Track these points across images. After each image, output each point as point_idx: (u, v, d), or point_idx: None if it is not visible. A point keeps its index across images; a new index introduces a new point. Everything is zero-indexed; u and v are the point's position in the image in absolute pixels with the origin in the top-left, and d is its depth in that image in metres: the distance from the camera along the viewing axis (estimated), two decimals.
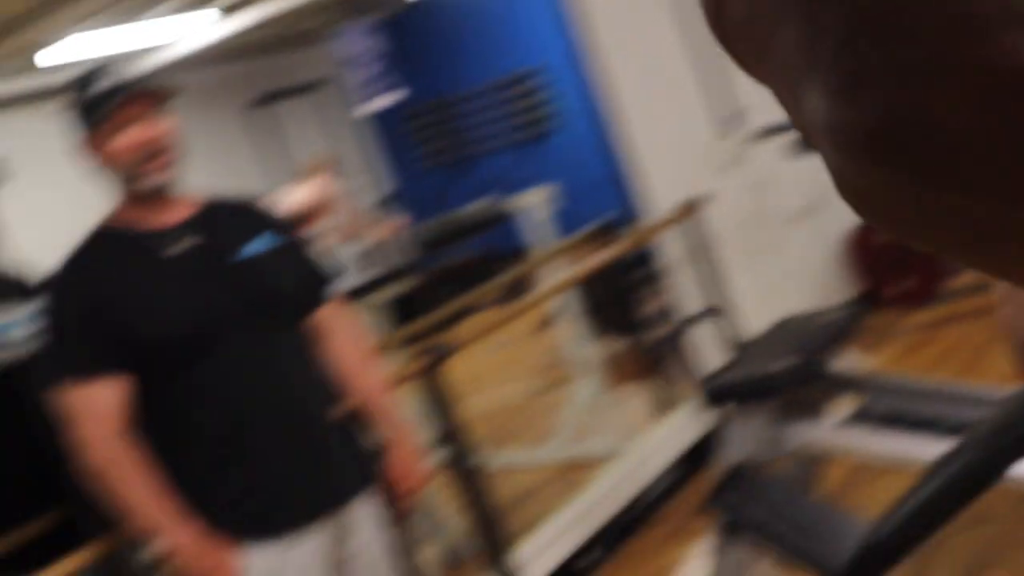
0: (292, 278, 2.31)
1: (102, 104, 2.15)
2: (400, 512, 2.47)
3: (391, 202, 10.07)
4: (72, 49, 6.85)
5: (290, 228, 2.39)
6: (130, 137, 2.16)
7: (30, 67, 7.30)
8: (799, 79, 0.27)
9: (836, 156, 0.27)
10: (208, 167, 9.89)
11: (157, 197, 2.21)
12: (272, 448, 2.19)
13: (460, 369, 5.64)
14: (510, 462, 5.03)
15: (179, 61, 8.39)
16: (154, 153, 2.17)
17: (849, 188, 0.28)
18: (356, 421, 2.43)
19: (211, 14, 7.50)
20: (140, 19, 6.99)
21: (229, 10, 7.58)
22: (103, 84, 2.16)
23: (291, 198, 7.16)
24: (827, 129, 0.27)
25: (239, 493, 2.18)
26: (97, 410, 2.10)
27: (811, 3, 0.26)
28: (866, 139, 0.26)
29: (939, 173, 0.25)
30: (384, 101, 4.93)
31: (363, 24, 5.30)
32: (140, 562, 2.42)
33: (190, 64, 8.92)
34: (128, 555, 2.34)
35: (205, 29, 7.73)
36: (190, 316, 2.14)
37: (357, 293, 5.95)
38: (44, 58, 6.89)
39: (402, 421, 2.49)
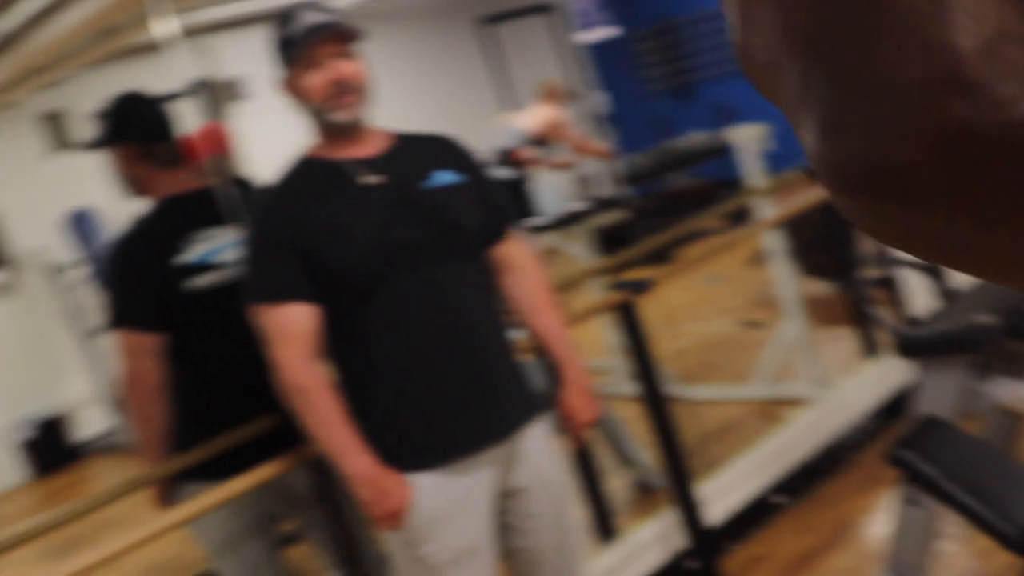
0: (475, 211, 2.38)
1: (297, 43, 2.27)
2: (574, 444, 2.56)
3: (607, 128, 10.08)
4: None
5: (477, 163, 2.47)
6: (321, 75, 2.27)
7: None
8: (798, 118, 0.34)
9: (823, 183, 0.35)
10: (441, 82, 10.17)
11: (349, 131, 2.32)
12: (444, 379, 2.29)
13: (673, 298, 5.71)
14: (708, 396, 5.07)
15: None
16: (344, 91, 2.28)
17: (837, 206, 0.35)
18: (532, 354, 2.53)
19: None
20: None
21: None
22: (299, 24, 2.28)
23: (527, 119, 7.31)
24: (815, 161, 0.34)
25: (411, 422, 2.30)
26: (289, 333, 2.25)
27: (807, 59, 0.33)
28: (845, 175, 0.33)
29: (904, 203, 0.32)
30: (601, 33, 4.96)
31: None
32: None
33: None
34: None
35: None
36: (374, 246, 2.25)
37: (569, 220, 6.05)
38: None
39: (577, 357, 2.55)
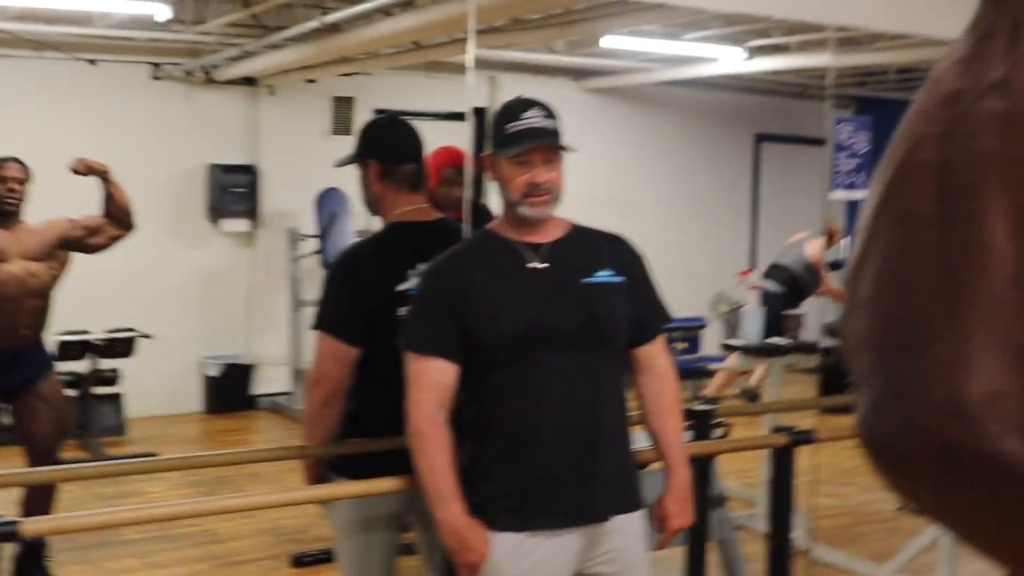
0: (626, 312, 2.59)
1: (514, 141, 2.50)
2: (660, 545, 2.72)
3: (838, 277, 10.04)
4: (616, 41, 7.52)
5: (642, 268, 2.66)
6: (524, 174, 2.51)
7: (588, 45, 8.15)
8: (861, 394, 0.56)
9: (862, 445, 0.59)
10: (714, 186, 10.43)
11: (532, 222, 2.56)
12: (552, 454, 2.49)
13: (845, 456, 5.69)
14: (837, 562, 5.04)
15: (699, 80, 8.93)
16: (538, 192, 2.51)
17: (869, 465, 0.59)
18: (646, 454, 2.69)
19: (738, 52, 7.89)
20: (678, 38, 7.50)
21: (755, 52, 7.93)
22: (522, 122, 2.51)
23: (812, 246, 7.86)
24: (859, 427, 0.56)
25: (509, 484, 2.51)
26: (427, 382, 2.50)
27: (876, 355, 0.56)
28: (876, 444, 0.56)
29: (909, 484, 0.55)
30: (851, 195, 5.06)
31: (857, 118, 5.44)
32: None
33: (704, 84, 9.42)
34: None
35: (729, 61, 8.13)
36: (522, 326, 2.48)
37: (768, 351, 6.13)
38: (606, 41, 7.59)
39: (686, 466, 2.71)
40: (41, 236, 4.51)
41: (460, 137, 4.86)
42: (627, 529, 2.60)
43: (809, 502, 3.83)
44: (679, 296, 8.80)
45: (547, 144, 2.51)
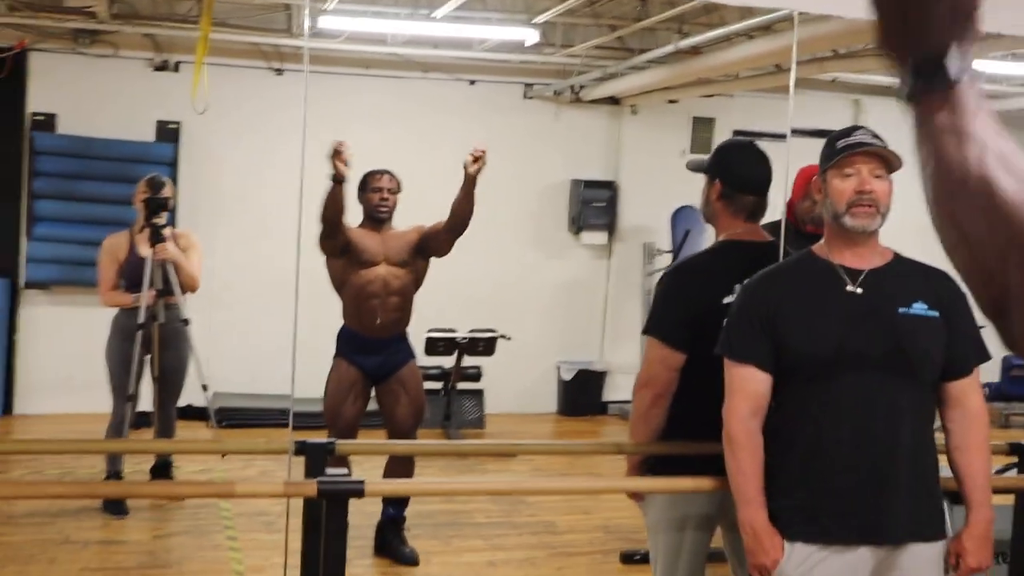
0: (936, 346, 2.61)
1: (841, 152, 2.61)
2: None
3: None
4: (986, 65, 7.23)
5: (962, 304, 2.64)
6: (851, 183, 2.59)
7: None
8: None
9: None
10: None
11: (855, 239, 2.63)
12: (852, 471, 2.57)
13: None
14: None
15: None
16: (865, 202, 2.58)
17: None
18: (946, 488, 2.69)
19: None
20: None
21: None
22: (851, 138, 2.61)
23: None
24: None
25: (808, 496, 2.61)
26: (743, 389, 2.66)
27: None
28: None
29: None
30: None
31: None
32: None
33: None
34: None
35: None
36: (832, 347, 2.57)
37: None
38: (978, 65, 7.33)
39: (988, 505, 2.67)
40: (404, 240, 5.03)
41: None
42: (922, 557, 2.64)
43: None
44: None
45: (874, 150, 2.59)
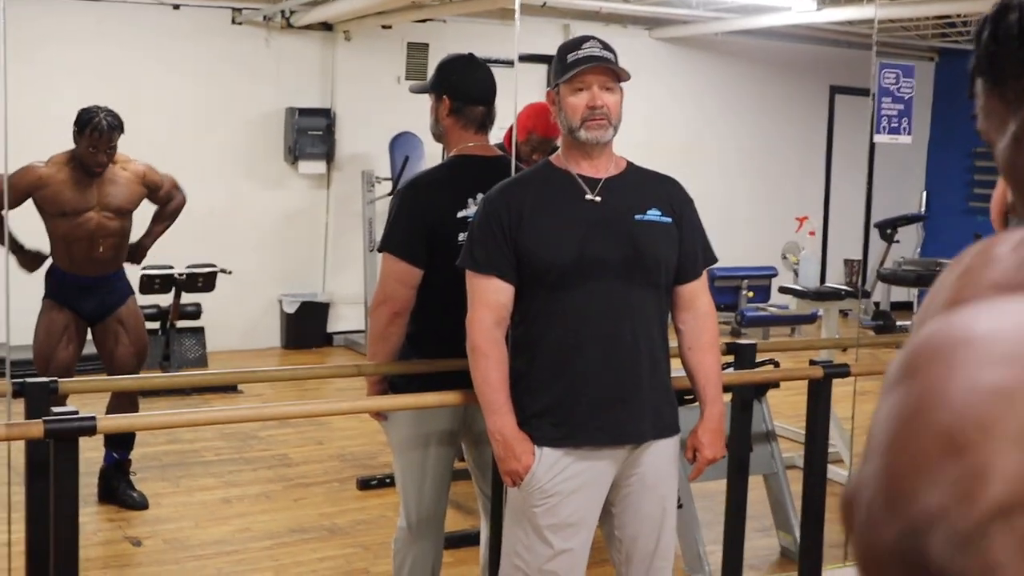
0: (671, 251, 2.74)
1: (573, 67, 2.66)
2: (693, 475, 2.89)
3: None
4: None
5: (690, 211, 2.81)
6: (584, 98, 2.66)
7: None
8: None
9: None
10: (792, 140, 10.45)
11: (590, 150, 2.72)
12: (594, 378, 2.67)
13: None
14: None
15: (773, 30, 8.94)
16: (598, 116, 2.66)
17: None
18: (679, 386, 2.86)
19: (808, 1, 7.90)
20: None
21: (826, 2, 7.93)
22: (581, 51, 2.67)
23: None
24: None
25: (554, 403, 2.69)
26: (485, 300, 2.69)
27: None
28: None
29: None
30: (894, 139, 5.13)
31: (902, 64, 5.50)
32: None
33: (778, 35, 9.42)
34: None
35: (802, 11, 8.13)
36: (573, 254, 2.65)
37: (822, 296, 6.23)
38: None
39: (721, 401, 2.86)
40: (124, 189, 4.76)
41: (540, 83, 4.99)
42: (661, 452, 2.77)
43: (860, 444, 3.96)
44: (749, 245, 8.98)
45: (604, 67, 2.65)
